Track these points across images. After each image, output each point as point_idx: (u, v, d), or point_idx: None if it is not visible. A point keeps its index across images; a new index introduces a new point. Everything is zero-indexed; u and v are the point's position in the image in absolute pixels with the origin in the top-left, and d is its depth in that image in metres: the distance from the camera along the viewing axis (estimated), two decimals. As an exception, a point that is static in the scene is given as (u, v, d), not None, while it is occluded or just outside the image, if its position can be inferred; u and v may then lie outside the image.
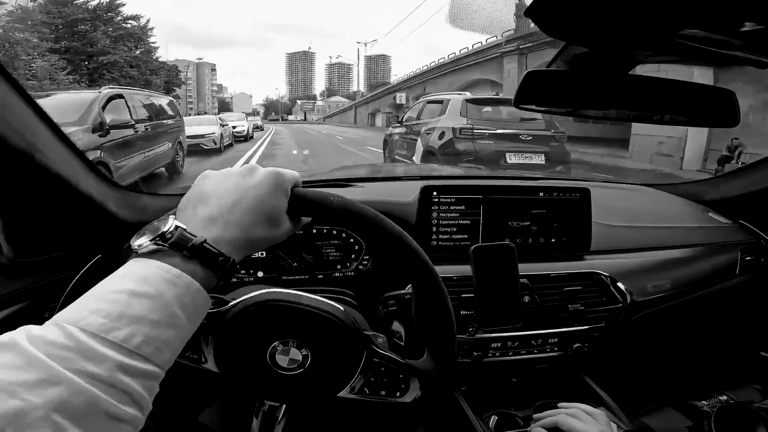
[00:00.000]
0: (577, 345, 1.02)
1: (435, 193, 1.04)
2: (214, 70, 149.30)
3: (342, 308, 0.65)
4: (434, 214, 1.05)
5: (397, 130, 7.77)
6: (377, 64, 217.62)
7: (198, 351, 0.63)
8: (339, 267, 1.04)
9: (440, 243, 1.06)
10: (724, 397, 1.01)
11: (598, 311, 1.04)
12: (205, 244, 0.41)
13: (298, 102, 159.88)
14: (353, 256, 1.05)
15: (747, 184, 1.32)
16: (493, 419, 0.95)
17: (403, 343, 0.94)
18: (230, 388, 0.68)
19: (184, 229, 0.41)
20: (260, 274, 1.00)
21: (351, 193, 1.20)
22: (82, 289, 0.81)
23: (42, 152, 0.71)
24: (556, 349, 1.02)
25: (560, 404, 0.85)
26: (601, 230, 1.15)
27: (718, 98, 0.76)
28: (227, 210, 0.44)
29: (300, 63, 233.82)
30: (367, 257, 1.05)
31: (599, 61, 0.73)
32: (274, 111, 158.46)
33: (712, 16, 0.48)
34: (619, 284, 1.05)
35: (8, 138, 0.65)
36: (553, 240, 1.11)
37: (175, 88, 41.51)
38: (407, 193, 1.11)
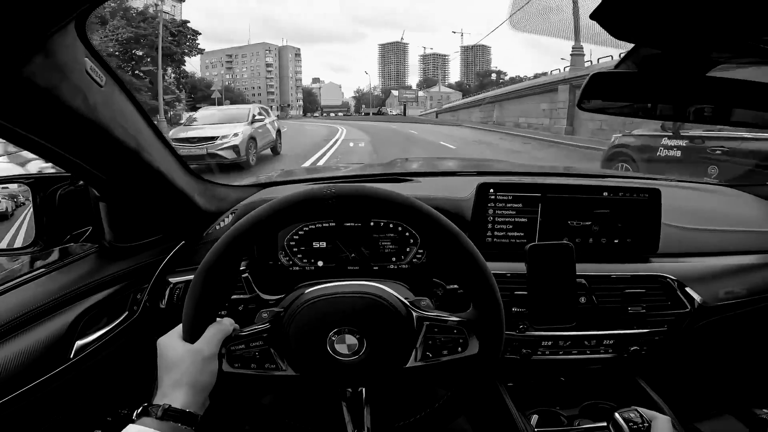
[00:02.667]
0: (635, 348, 1.22)
1: (492, 190, 1.30)
2: (298, 55, 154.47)
3: (382, 286, 0.88)
4: (490, 211, 1.31)
5: (669, 143, 6.24)
6: (475, 54, 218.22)
7: (274, 361, 0.83)
8: (394, 259, 1.34)
9: (495, 240, 1.32)
10: None
11: (662, 315, 1.23)
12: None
13: (394, 93, 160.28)
14: (408, 249, 1.34)
15: None
16: (534, 418, 1.17)
17: (441, 293, 1.20)
18: (310, 386, 0.92)
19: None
20: (320, 263, 1.33)
21: (406, 189, 1.48)
22: (168, 272, 1.18)
23: (148, 151, 1.03)
24: (610, 350, 1.22)
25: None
26: (670, 232, 1.33)
27: None
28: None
29: (393, 54, 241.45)
30: (422, 251, 1.33)
31: (674, 63, 0.87)
32: (365, 104, 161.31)
33: None
34: (688, 289, 1.24)
35: (122, 139, 0.91)
36: (616, 241, 1.31)
37: (186, 57, 37.42)
38: (463, 188, 1.39)
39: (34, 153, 0.85)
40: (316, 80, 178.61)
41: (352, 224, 1.32)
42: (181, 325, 0.81)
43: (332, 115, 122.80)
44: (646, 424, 0.93)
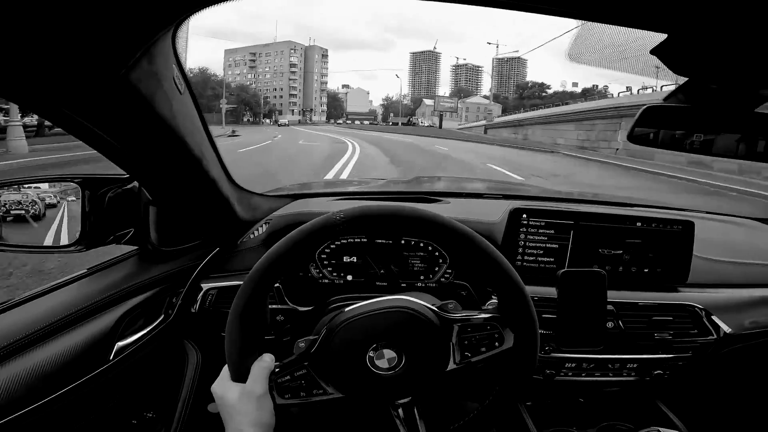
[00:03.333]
0: (658, 372, 1.30)
1: (524, 215, 1.39)
2: (325, 56, 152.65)
3: (408, 298, 0.95)
4: (522, 236, 1.40)
5: None
6: (510, 67, 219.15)
7: (320, 387, 0.89)
8: (422, 277, 1.43)
9: (525, 264, 1.41)
10: None
11: (687, 342, 1.31)
12: None
13: (427, 102, 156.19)
14: (436, 268, 1.43)
15: None
16: None
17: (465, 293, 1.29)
18: (360, 405, 0.98)
19: None
20: (349, 278, 1.42)
21: (436, 210, 1.57)
22: (202, 278, 1.28)
23: (207, 158, 1.13)
24: (633, 374, 1.31)
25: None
26: (699, 264, 1.42)
27: None
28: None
29: (424, 63, 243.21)
30: (450, 270, 1.42)
31: (724, 98, 0.92)
32: (393, 112, 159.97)
33: None
34: (714, 317, 1.32)
35: (191, 146, 1.01)
36: (646, 270, 1.40)
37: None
38: (493, 211, 1.48)
39: (103, 153, 0.92)
40: (345, 86, 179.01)
41: (383, 241, 1.41)
42: (226, 368, 0.88)
43: (357, 122, 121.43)
44: None
